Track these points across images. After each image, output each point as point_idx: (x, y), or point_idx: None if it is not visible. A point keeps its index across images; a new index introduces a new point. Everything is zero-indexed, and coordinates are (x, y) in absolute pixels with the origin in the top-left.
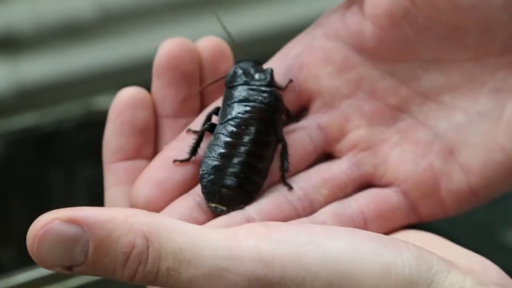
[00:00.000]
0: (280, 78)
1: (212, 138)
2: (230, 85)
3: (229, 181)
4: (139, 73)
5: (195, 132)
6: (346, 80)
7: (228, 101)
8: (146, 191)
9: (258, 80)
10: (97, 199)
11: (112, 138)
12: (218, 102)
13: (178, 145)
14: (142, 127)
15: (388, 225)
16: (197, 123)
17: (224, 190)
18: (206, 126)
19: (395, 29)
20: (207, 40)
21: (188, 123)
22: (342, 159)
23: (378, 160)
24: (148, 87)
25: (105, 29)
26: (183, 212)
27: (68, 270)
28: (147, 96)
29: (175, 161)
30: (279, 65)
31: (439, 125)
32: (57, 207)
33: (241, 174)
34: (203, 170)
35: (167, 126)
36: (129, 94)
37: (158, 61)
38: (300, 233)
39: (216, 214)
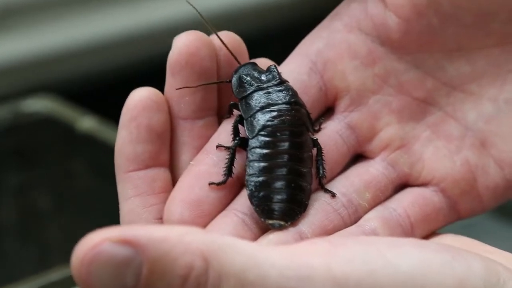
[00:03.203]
0: (304, 77)
1: (248, 154)
2: (243, 95)
3: (281, 194)
4: (43, 68)
5: (226, 148)
6: (372, 74)
7: (250, 113)
8: (181, 212)
9: (268, 81)
10: (25, 207)
11: (127, 145)
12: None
13: (206, 159)
14: (159, 131)
15: (433, 227)
16: (220, 137)
17: (278, 205)
18: (236, 141)
19: (420, 19)
20: (223, 35)
21: (207, 124)
22: (375, 159)
23: (413, 158)
24: (55, 84)
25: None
26: (228, 230)
27: None
28: (162, 97)
29: (210, 184)
30: (301, 62)
31: (468, 116)
32: None
33: (291, 183)
34: (251, 189)
35: (184, 129)
36: (142, 95)
37: (174, 58)
38: (367, 248)
39: (264, 230)
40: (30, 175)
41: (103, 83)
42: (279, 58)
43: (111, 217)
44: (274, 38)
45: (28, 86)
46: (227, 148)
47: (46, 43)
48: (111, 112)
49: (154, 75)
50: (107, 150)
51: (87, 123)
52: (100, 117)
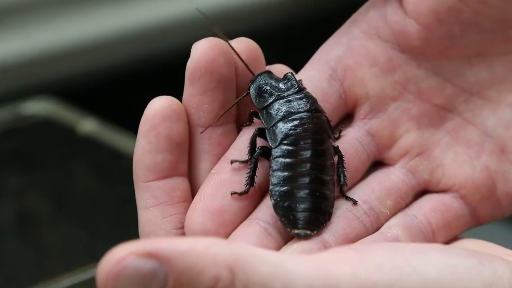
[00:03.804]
0: (324, 84)
1: (271, 164)
2: (263, 105)
3: (305, 203)
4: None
5: (241, 162)
6: (392, 81)
7: (271, 122)
8: (203, 222)
9: (287, 89)
10: (24, 211)
11: (146, 155)
12: (257, 127)
13: (227, 167)
14: (179, 141)
15: (454, 233)
16: (241, 145)
17: (303, 214)
18: (258, 151)
19: (440, 27)
20: (240, 42)
21: (226, 131)
22: (395, 166)
23: (433, 165)
24: (52, 85)
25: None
26: (251, 240)
27: None
28: (181, 107)
29: (233, 193)
30: (321, 69)
31: (487, 122)
32: None
33: (315, 192)
34: (276, 199)
35: (203, 137)
36: (162, 105)
37: (193, 65)
38: (393, 255)
39: (287, 239)
40: (30, 178)
41: (100, 83)
42: (273, 57)
43: (112, 221)
44: (268, 37)
45: (25, 87)
46: (242, 162)
47: (42, 43)
48: (110, 112)
49: (152, 74)
50: (108, 153)
51: (88, 125)
52: (99, 117)
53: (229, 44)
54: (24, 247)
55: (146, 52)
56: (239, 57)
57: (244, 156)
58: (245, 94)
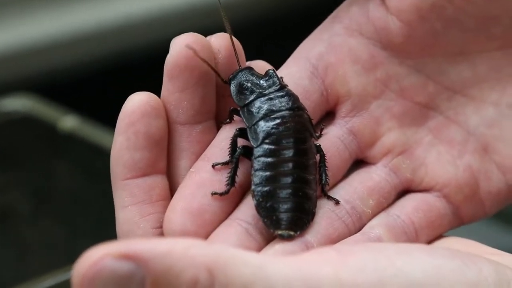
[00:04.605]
0: (306, 82)
1: (253, 164)
2: (244, 103)
3: (288, 203)
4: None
5: (223, 164)
6: (374, 79)
7: (253, 121)
8: (182, 222)
9: (268, 86)
10: (5, 208)
11: (124, 152)
12: (237, 124)
13: (207, 166)
14: (157, 138)
15: (437, 232)
16: (221, 144)
17: (286, 214)
18: (239, 150)
19: (422, 24)
20: (220, 37)
21: (205, 129)
22: (377, 165)
23: (416, 164)
24: (28, 81)
25: None
26: (231, 240)
27: None
28: (160, 103)
29: (213, 194)
30: (302, 66)
31: (470, 121)
32: None
33: (298, 192)
34: (258, 200)
35: (182, 134)
36: (141, 101)
37: (172, 62)
38: (376, 256)
39: (268, 240)
40: (10, 175)
41: (81, 79)
42: (251, 51)
43: (94, 218)
44: (246, 32)
45: (4, 83)
46: (224, 164)
47: (21, 38)
48: (91, 109)
49: (134, 69)
50: (89, 150)
51: (69, 122)
52: (80, 114)
53: (231, 37)
54: (4, 246)
55: (126, 47)
56: (235, 51)
57: (224, 154)
58: (224, 81)
